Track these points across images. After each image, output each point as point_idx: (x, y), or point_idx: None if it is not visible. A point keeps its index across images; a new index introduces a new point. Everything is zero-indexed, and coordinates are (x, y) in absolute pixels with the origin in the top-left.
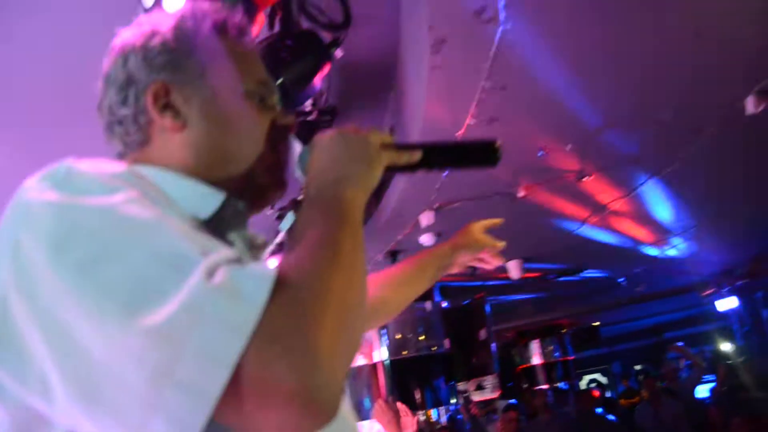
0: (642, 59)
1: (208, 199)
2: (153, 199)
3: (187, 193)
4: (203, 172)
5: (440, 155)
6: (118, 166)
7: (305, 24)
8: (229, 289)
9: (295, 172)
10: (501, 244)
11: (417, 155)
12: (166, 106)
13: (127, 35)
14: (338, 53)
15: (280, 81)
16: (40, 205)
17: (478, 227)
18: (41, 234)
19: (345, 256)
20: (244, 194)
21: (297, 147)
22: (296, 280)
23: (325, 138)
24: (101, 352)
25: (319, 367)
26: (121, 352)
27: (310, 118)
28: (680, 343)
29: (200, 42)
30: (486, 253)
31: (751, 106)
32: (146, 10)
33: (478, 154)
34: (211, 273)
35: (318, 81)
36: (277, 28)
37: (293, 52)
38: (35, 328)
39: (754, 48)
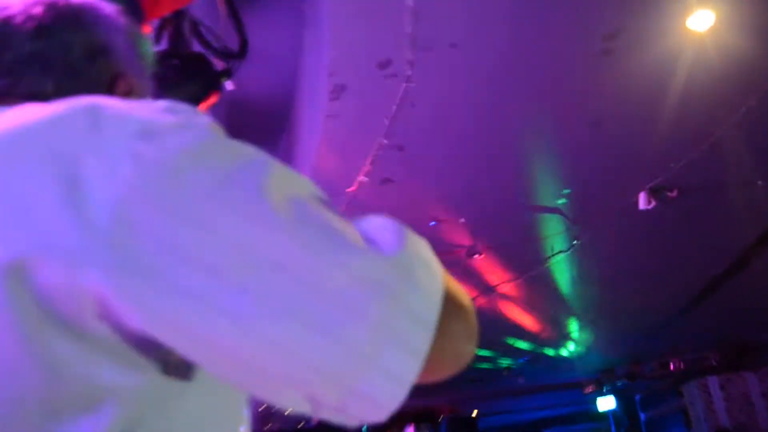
0: (541, 141)
1: None
2: None
3: None
4: None
5: None
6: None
7: (197, 47)
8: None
9: None
10: None
11: None
12: None
13: (103, 7)
14: (229, 85)
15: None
16: (164, 125)
17: None
18: (181, 153)
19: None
20: None
21: None
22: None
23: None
24: (320, 276)
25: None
26: (349, 276)
27: None
28: None
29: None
30: None
31: (643, 202)
32: None
33: None
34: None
35: (203, 109)
36: (164, 44)
37: (179, 73)
38: (195, 247)
39: (649, 147)
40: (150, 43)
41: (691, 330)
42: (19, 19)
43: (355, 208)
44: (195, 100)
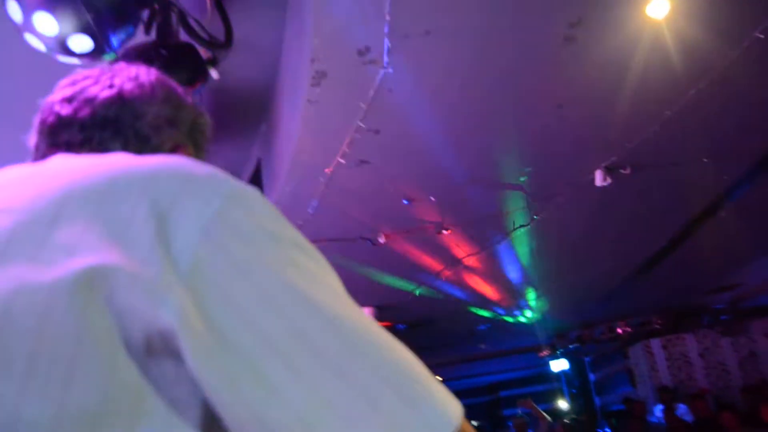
0: (507, 123)
1: None
2: None
3: None
4: None
5: None
6: None
7: (184, 37)
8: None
9: None
10: None
11: None
12: None
13: (174, 86)
14: (215, 74)
15: None
16: (253, 195)
17: None
18: (266, 219)
19: None
20: None
21: None
22: None
23: None
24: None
25: None
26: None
27: None
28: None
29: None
30: None
31: (599, 179)
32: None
33: None
34: None
35: (189, 95)
36: (153, 35)
37: (167, 63)
38: (259, 300)
39: (606, 127)
40: (209, 120)
41: (637, 297)
42: (98, 87)
43: (333, 189)
44: (183, 86)
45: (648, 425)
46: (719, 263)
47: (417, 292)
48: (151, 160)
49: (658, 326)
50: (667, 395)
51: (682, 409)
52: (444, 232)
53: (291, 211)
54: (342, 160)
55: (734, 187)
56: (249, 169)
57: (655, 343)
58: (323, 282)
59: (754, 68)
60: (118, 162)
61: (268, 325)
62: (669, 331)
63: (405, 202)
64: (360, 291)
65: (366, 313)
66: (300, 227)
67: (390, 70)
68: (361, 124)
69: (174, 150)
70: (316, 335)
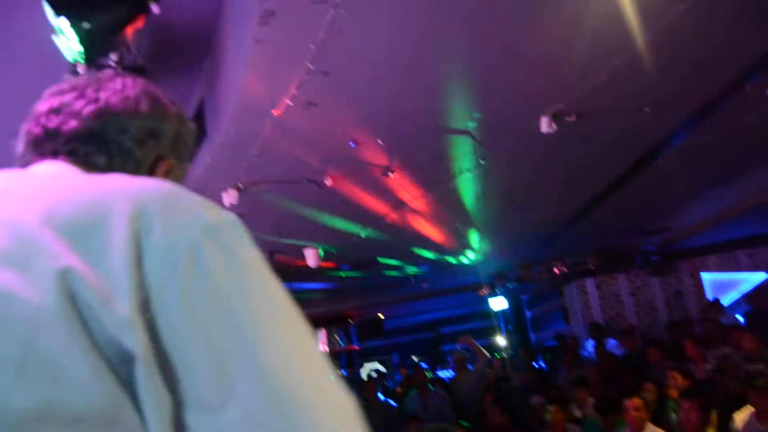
0: (457, 68)
1: None
2: None
3: None
4: None
5: None
6: None
7: None
8: None
9: None
10: None
11: None
12: None
13: (160, 96)
14: (156, 9)
15: (87, 27)
16: (228, 228)
17: None
18: (245, 255)
19: None
20: None
21: None
22: None
23: None
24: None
25: None
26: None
27: None
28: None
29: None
30: None
31: (545, 125)
32: None
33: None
34: None
35: (129, 34)
36: None
37: None
38: (226, 330)
39: (555, 75)
40: (193, 127)
41: (574, 239)
42: (84, 101)
43: (279, 130)
44: (122, 22)
45: (580, 359)
46: (652, 208)
47: (363, 235)
48: (137, 185)
49: (592, 267)
50: (599, 331)
51: (611, 344)
52: (390, 175)
53: (235, 152)
54: (289, 102)
55: (672, 135)
56: (190, 109)
57: (590, 282)
58: (278, 327)
59: (699, 21)
60: (104, 184)
61: (199, 376)
62: (603, 271)
63: (352, 144)
64: (305, 233)
65: (321, 363)
66: (245, 169)
67: (341, 10)
68: (310, 66)
69: (156, 162)
70: (247, 393)
